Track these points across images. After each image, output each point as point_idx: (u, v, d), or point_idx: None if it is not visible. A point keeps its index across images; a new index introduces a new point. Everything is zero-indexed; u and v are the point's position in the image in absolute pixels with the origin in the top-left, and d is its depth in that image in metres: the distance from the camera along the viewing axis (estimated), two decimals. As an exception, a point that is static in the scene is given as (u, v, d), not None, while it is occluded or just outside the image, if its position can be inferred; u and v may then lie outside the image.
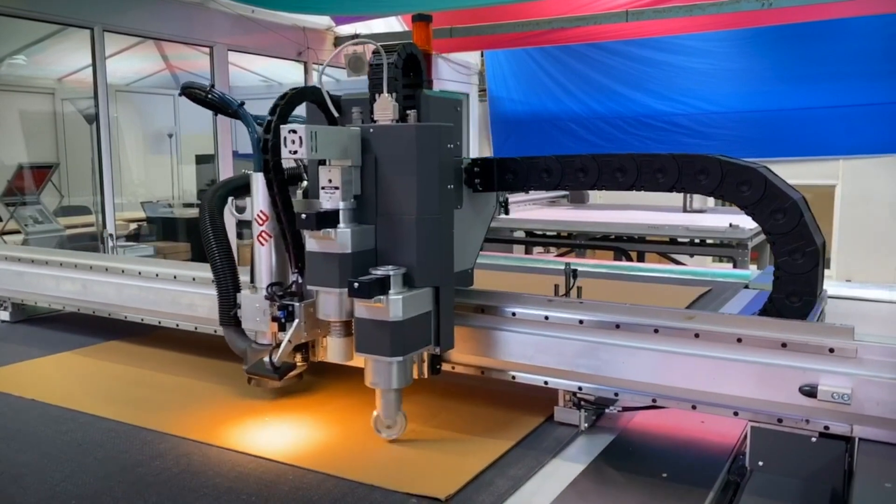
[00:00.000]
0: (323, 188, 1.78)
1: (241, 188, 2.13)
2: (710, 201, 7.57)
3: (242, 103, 2.06)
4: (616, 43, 9.56)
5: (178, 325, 2.58)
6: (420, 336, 1.80)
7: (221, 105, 2.07)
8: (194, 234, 8.39)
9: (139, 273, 2.67)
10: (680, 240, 5.91)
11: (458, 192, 2.04)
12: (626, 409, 1.92)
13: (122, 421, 1.99)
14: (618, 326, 1.81)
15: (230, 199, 2.17)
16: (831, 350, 1.57)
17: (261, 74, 10.61)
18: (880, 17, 8.05)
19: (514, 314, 1.95)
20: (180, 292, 2.54)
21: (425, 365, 1.91)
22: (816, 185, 9.09)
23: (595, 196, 8.59)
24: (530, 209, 7.20)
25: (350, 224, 1.77)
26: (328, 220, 1.75)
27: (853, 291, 3.17)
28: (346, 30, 8.83)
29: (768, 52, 9.08)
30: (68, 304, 2.94)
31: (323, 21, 8.66)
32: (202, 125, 7.88)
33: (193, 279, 2.51)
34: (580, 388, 1.88)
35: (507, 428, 1.93)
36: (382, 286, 1.70)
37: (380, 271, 1.73)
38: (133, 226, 8.36)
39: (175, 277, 2.57)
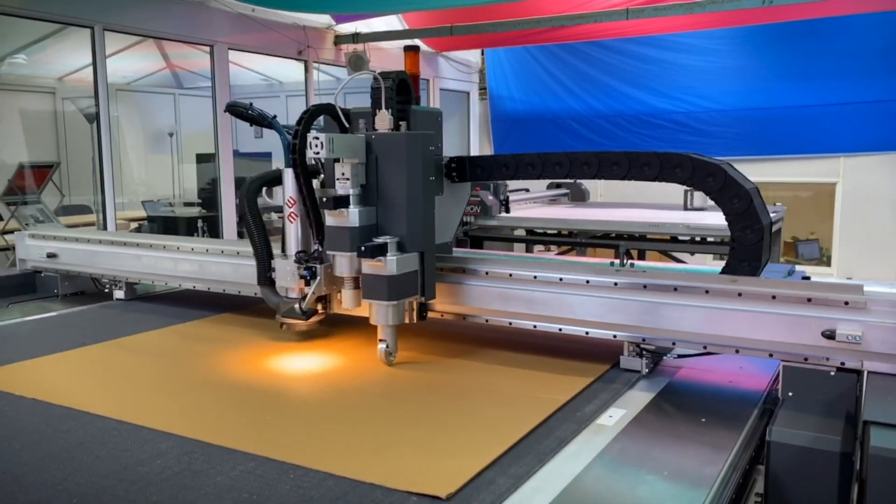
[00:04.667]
0: (337, 179, 2.37)
1: (270, 181, 2.74)
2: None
3: (275, 116, 2.64)
4: (616, 41, 9.55)
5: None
6: (409, 287, 2.40)
7: (259, 118, 2.65)
8: (195, 234, 8.38)
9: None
10: (680, 238, 5.89)
11: (438, 182, 2.65)
12: (681, 356, 2.41)
13: (124, 420, 2.00)
14: (675, 289, 2.21)
15: (263, 189, 2.75)
16: (846, 303, 1.98)
17: (261, 73, 10.62)
18: (880, 15, 8.04)
19: (587, 281, 2.36)
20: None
21: (415, 312, 2.49)
22: (817, 182, 9.09)
23: (595, 194, 8.57)
24: (531, 207, 7.16)
25: (358, 206, 2.37)
26: (342, 202, 2.36)
27: (853, 289, 3.19)
28: (346, 28, 8.83)
29: (768, 49, 9.07)
30: (185, 283, 3.33)
31: (323, 20, 8.66)
32: (203, 124, 7.87)
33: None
34: (643, 340, 2.31)
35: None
36: (382, 250, 2.31)
37: (380, 239, 2.33)
38: (134, 224, 8.37)
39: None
